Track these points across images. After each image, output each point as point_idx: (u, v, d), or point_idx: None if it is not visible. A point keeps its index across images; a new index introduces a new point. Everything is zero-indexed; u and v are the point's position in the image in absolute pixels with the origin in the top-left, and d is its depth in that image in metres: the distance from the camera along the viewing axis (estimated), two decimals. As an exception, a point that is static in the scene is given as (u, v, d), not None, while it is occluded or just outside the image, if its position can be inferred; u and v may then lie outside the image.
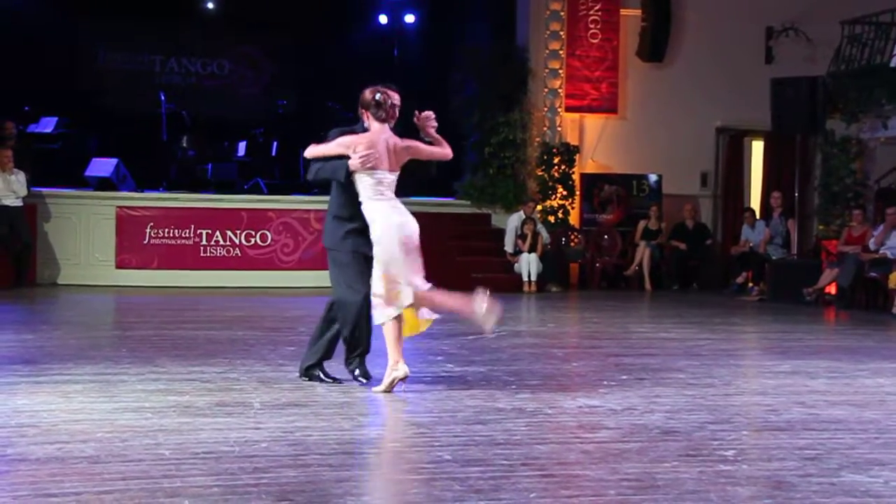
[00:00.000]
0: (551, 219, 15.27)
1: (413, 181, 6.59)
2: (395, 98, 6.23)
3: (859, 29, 14.98)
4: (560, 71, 15.73)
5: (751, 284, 14.34)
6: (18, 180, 13.13)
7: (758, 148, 16.87)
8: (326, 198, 15.31)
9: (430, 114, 6.33)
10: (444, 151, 6.36)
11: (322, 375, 6.40)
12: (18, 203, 13.13)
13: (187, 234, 13.78)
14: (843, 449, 4.94)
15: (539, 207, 15.13)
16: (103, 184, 13.99)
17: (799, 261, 14.23)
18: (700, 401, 6.14)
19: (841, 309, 12.50)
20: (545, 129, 15.72)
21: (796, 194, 14.64)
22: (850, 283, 12.68)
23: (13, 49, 15.73)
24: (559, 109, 15.75)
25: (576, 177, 15.57)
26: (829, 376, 7.21)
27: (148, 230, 13.66)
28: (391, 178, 6.16)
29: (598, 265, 15.27)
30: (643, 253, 15.00)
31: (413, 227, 6.16)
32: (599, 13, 15.75)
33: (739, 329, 10.82)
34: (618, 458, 4.66)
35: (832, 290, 13.06)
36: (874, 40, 14.76)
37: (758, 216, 15.15)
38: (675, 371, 7.24)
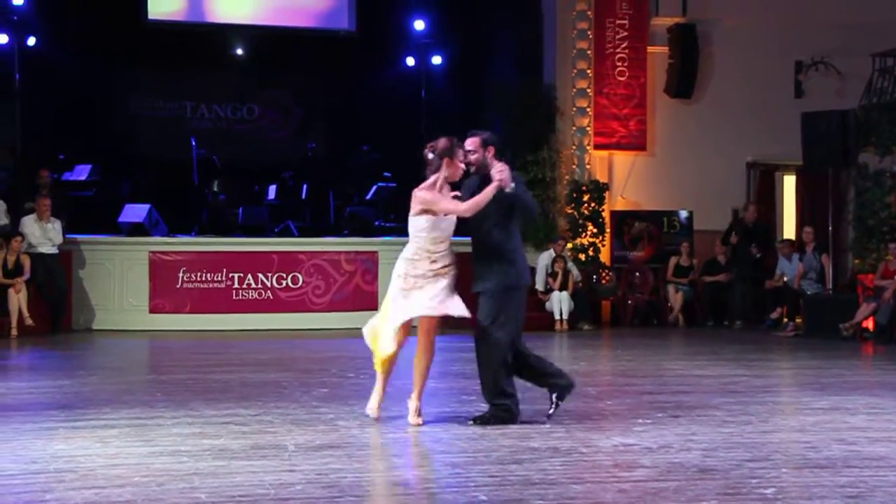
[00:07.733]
0: (582, 256, 15.24)
1: None
2: (436, 147, 6.58)
3: (891, 61, 14.93)
4: (588, 109, 15.77)
5: (786, 320, 14.19)
6: (55, 228, 13.29)
7: (789, 182, 16.79)
8: (355, 240, 15.15)
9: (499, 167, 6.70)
10: (454, 207, 6.63)
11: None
12: (55, 251, 13.28)
13: (219, 278, 13.86)
14: (886, 486, 4.86)
15: (569, 245, 15.10)
16: (136, 229, 14.12)
17: (834, 296, 14.07)
18: (737, 438, 6.07)
19: (879, 344, 12.33)
20: (574, 167, 15.73)
21: (830, 228, 14.50)
22: (889, 319, 12.51)
23: (47, 98, 15.98)
24: (588, 147, 15.78)
25: (606, 214, 15.56)
26: (869, 412, 7.10)
27: (181, 274, 13.75)
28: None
29: (629, 302, 15.18)
30: (675, 298, 14.94)
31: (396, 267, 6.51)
32: (626, 51, 15.81)
33: (775, 365, 10.69)
34: (655, 498, 4.61)
35: (869, 325, 12.89)
36: (905, 72, 14.73)
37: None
38: (711, 408, 7.17)
